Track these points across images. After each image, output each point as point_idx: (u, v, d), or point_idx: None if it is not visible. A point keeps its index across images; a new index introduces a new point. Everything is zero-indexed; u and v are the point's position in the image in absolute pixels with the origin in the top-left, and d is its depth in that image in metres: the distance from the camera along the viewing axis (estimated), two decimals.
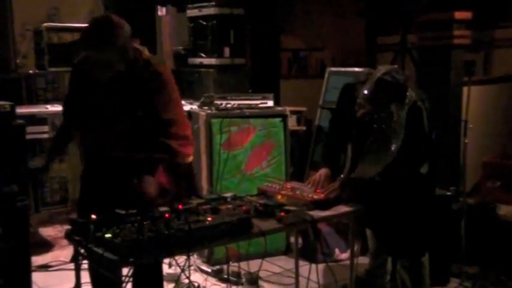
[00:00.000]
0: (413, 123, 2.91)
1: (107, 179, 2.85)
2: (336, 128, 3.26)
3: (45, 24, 4.84)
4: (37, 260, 4.06)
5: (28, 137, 3.77)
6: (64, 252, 4.25)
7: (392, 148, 2.89)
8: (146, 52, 2.88)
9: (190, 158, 2.87)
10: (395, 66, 3.08)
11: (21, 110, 4.06)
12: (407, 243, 3.13)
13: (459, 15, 4.36)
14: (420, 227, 3.11)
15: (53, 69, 4.81)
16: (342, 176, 3.12)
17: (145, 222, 2.25)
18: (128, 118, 2.79)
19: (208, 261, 4.12)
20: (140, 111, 2.77)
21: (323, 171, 3.08)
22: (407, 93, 2.89)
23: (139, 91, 2.76)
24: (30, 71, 4.84)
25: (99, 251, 2.16)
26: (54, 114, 4.43)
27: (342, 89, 3.21)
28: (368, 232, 3.48)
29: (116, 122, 2.83)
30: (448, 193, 3.86)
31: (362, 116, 2.91)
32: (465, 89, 4.02)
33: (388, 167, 2.94)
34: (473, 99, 3.92)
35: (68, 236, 2.39)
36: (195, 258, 4.11)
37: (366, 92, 2.86)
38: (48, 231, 4.72)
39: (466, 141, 3.89)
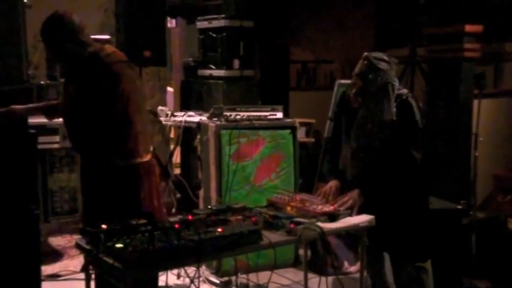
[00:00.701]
0: (405, 115, 3.00)
1: (91, 188, 2.94)
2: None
3: None
4: (46, 269, 4.07)
5: (39, 146, 3.79)
6: (73, 262, 4.26)
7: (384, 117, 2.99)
8: (107, 48, 2.89)
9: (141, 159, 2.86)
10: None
11: (32, 120, 4.08)
12: (407, 245, 3.12)
13: (470, 28, 4.36)
14: (418, 229, 3.11)
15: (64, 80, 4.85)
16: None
17: (155, 233, 2.25)
18: (81, 116, 2.83)
19: (217, 273, 4.11)
20: (92, 109, 2.78)
21: (333, 183, 3.09)
22: (396, 84, 3.01)
23: (87, 87, 2.79)
24: (42, 82, 4.88)
25: (110, 260, 2.16)
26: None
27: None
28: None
29: (72, 121, 2.92)
30: (458, 207, 3.84)
31: (355, 96, 3.05)
32: (475, 102, 4.02)
33: (382, 159, 3.00)
34: (484, 112, 3.91)
35: (79, 245, 2.40)
36: (203, 270, 4.11)
37: (355, 70, 3.05)
38: (57, 241, 4.73)
39: (477, 154, 3.88)
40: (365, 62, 3.04)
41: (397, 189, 3.03)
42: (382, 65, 3.00)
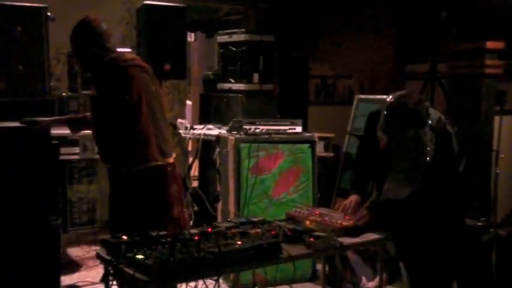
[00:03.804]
0: (443, 146, 2.86)
1: (119, 197, 2.97)
2: (364, 155, 3.26)
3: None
4: (65, 280, 4.08)
5: (60, 157, 3.83)
6: (91, 273, 4.28)
7: (425, 160, 2.80)
8: (126, 55, 3.05)
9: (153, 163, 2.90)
10: (406, 91, 3.00)
11: (53, 131, 4.13)
12: (435, 271, 3.08)
13: (491, 44, 4.35)
14: (448, 255, 3.07)
15: (85, 92, 4.89)
16: (370, 200, 3.09)
17: (175, 244, 2.26)
18: (101, 119, 2.94)
19: (234, 286, 4.10)
20: (108, 111, 2.88)
21: (353, 198, 3.07)
22: (431, 115, 2.83)
23: (104, 89, 2.91)
24: (63, 94, 4.93)
25: (130, 271, 2.17)
26: (85, 136, 4.49)
27: (367, 118, 3.22)
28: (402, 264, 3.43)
29: (96, 126, 3.01)
30: (479, 224, 3.80)
31: (384, 148, 2.88)
32: (496, 119, 3.98)
33: (419, 189, 2.87)
34: (505, 128, 3.88)
35: (99, 255, 2.41)
36: (220, 283, 4.09)
37: (380, 123, 2.85)
38: (76, 252, 4.76)
39: (498, 171, 3.84)
40: (390, 104, 2.84)
41: (435, 214, 2.94)
42: (415, 108, 2.78)
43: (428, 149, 2.79)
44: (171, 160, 3.01)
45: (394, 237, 2.92)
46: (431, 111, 2.91)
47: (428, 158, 2.79)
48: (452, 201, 3.04)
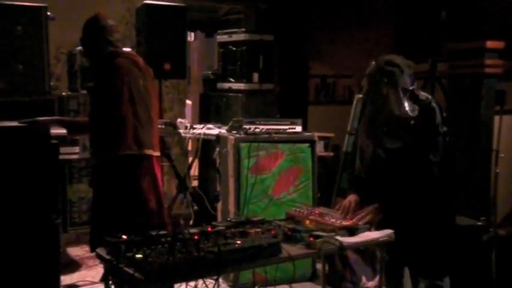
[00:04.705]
0: (426, 119, 2.96)
1: (95, 188, 3.18)
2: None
3: (79, 47, 4.93)
4: (65, 279, 4.09)
5: (60, 157, 3.83)
6: (91, 272, 4.28)
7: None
8: (124, 50, 3.23)
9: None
10: (394, 55, 3.11)
11: (53, 130, 4.13)
12: (427, 262, 3.08)
13: (491, 44, 4.35)
14: (440, 246, 3.07)
15: (85, 91, 4.90)
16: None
17: (175, 244, 2.26)
18: (92, 108, 3.15)
19: (234, 286, 4.10)
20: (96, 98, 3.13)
21: (352, 197, 3.07)
22: (408, 88, 2.93)
23: (97, 79, 3.15)
24: (63, 93, 4.94)
25: (130, 271, 2.17)
26: (85, 136, 4.49)
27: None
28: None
29: (89, 117, 3.21)
30: (478, 223, 3.80)
31: (364, 96, 3.07)
32: (496, 118, 3.99)
33: (401, 163, 2.96)
34: (505, 128, 3.89)
35: (99, 255, 2.41)
36: (220, 282, 4.09)
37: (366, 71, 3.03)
38: (75, 251, 4.76)
39: (497, 170, 3.85)
40: (373, 63, 3.03)
41: (417, 196, 2.97)
42: (391, 68, 2.95)
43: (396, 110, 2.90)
44: (148, 152, 3.06)
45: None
46: (423, 93, 3.05)
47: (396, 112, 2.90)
48: (440, 188, 3.05)
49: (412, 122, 2.95)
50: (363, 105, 3.17)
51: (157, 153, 3.19)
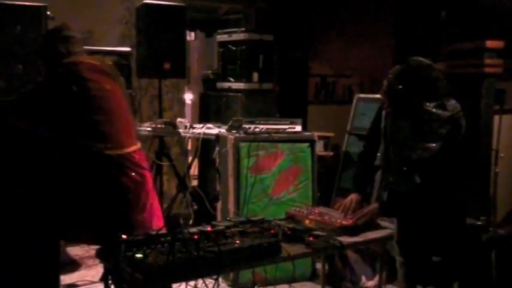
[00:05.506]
0: (453, 137, 2.76)
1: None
2: (367, 153, 3.23)
3: None
4: (64, 279, 4.09)
5: None
6: (91, 272, 4.28)
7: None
8: (85, 58, 3.26)
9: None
10: (429, 60, 2.84)
11: None
12: (437, 270, 3.07)
13: (491, 43, 4.35)
14: (450, 254, 3.06)
15: None
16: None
17: (175, 244, 2.26)
18: None
19: (234, 285, 4.10)
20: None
21: (353, 197, 3.06)
22: (444, 95, 2.75)
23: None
24: None
25: (130, 270, 2.17)
26: None
27: (375, 114, 3.16)
28: (398, 261, 3.42)
29: None
30: (478, 223, 3.80)
31: (386, 114, 2.80)
32: (496, 118, 3.99)
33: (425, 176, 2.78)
34: (504, 128, 3.89)
35: (99, 254, 2.42)
36: (219, 282, 4.09)
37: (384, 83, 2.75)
38: (75, 251, 4.76)
39: (497, 170, 3.85)
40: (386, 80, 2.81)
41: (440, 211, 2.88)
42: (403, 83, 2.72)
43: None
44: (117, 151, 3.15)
45: (399, 227, 2.89)
46: (453, 102, 2.78)
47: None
48: (455, 196, 3.00)
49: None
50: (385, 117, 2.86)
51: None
